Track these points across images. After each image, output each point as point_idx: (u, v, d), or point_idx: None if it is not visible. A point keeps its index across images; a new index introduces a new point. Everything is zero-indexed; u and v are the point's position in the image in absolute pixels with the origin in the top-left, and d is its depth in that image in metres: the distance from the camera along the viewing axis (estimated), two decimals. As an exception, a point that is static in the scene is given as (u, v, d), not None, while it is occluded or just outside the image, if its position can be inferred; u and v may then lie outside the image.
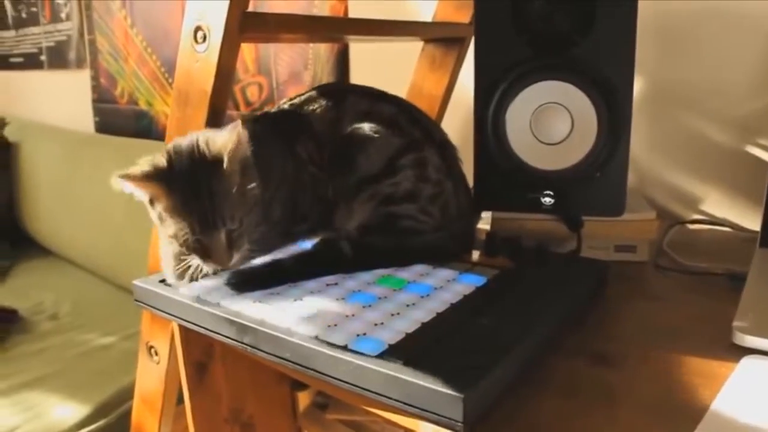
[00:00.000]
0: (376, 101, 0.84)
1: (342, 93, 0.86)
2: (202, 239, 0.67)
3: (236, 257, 0.69)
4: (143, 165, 0.68)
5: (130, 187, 0.67)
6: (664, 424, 0.51)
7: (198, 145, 0.69)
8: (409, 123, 0.84)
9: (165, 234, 0.70)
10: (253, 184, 0.70)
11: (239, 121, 0.68)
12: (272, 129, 0.81)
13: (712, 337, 0.65)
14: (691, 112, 1.11)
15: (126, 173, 0.66)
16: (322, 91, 0.85)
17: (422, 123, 0.86)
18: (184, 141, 0.70)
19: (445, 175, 0.83)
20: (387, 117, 0.82)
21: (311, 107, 0.82)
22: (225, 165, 0.67)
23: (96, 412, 1.35)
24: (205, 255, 0.68)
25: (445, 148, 0.86)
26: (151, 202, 0.69)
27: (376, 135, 0.78)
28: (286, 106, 0.85)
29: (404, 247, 0.78)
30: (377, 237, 0.77)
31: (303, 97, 0.84)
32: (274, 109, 0.86)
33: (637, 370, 0.60)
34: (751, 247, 0.86)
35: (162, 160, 0.68)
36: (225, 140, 0.68)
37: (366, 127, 0.79)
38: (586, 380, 0.58)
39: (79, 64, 2.50)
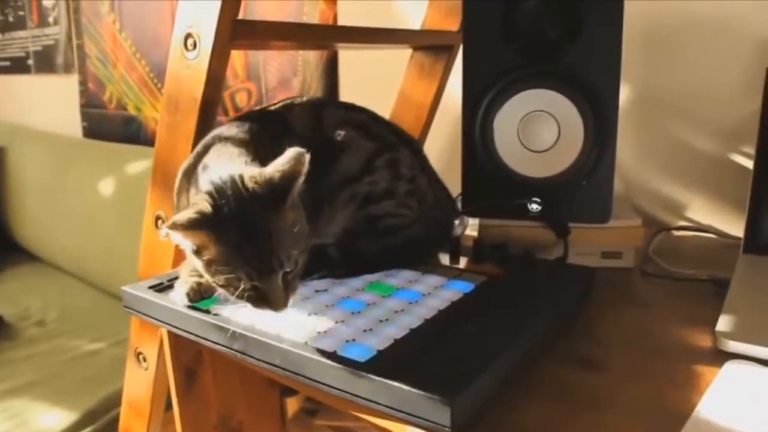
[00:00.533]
0: (349, 110, 0.85)
1: (319, 103, 0.87)
2: (259, 285, 0.60)
3: (292, 300, 0.62)
4: (188, 212, 0.59)
5: (178, 238, 0.60)
6: (649, 428, 0.52)
7: (243, 182, 0.61)
8: (381, 127, 0.85)
9: (208, 278, 0.62)
10: (302, 215, 0.64)
11: (301, 150, 0.61)
12: (263, 132, 0.77)
13: (696, 342, 0.66)
14: (677, 120, 1.13)
15: (173, 222, 0.58)
16: (299, 101, 0.85)
17: (392, 127, 0.88)
18: (218, 179, 0.61)
19: (419, 170, 0.84)
20: (362, 123, 0.83)
21: (292, 114, 0.82)
22: (288, 200, 0.61)
23: (83, 418, 1.34)
24: (261, 301, 0.61)
25: (415, 147, 0.88)
26: (198, 251, 0.61)
27: (355, 138, 0.79)
28: (269, 109, 0.84)
29: (389, 247, 0.79)
30: (363, 242, 0.78)
31: (281, 104, 0.84)
32: (252, 112, 0.83)
33: (622, 375, 0.61)
34: (734, 253, 0.87)
35: (206, 205, 0.59)
36: (283, 170, 0.61)
37: (345, 131, 0.80)
38: (573, 385, 0.59)
39: (67, 68, 2.49)
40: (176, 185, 0.73)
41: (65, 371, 1.54)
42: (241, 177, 0.61)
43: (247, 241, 0.59)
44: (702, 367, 0.60)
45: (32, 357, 1.63)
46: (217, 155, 0.68)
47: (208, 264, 0.60)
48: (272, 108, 0.83)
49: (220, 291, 0.62)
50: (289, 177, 0.60)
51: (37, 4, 2.57)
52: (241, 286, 0.59)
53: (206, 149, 0.71)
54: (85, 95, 2.43)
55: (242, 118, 0.79)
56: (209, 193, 0.60)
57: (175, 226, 0.58)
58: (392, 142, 0.84)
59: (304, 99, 0.85)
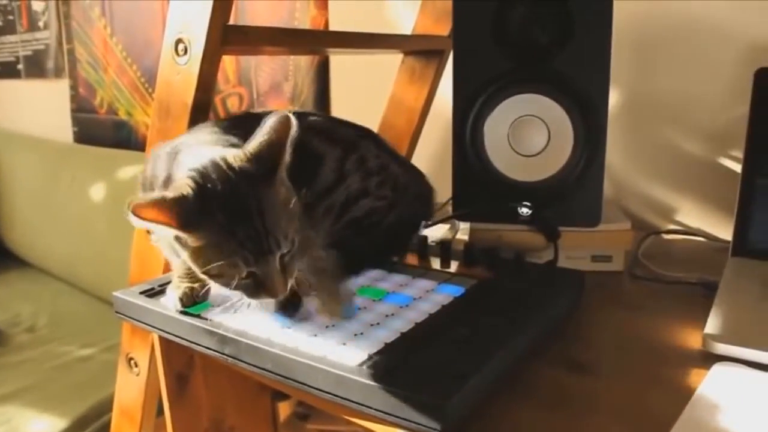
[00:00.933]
0: (306, 116, 0.81)
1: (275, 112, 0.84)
2: (256, 271, 0.57)
3: (290, 285, 0.59)
4: (167, 193, 0.55)
5: (152, 225, 0.55)
6: (637, 430, 0.52)
7: (227, 162, 0.57)
8: (339, 127, 0.84)
9: (197, 269, 0.58)
10: (293, 191, 0.60)
11: (286, 112, 0.57)
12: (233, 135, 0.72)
13: (685, 344, 0.67)
14: (666, 124, 1.13)
15: (138, 202, 0.53)
16: (256, 112, 0.80)
17: (347, 123, 0.86)
18: (198, 165, 0.57)
19: (384, 157, 0.84)
20: (323, 127, 0.81)
21: (252, 121, 0.78)
22: (279, 173, 0.57)
23: (74, 425, 1.34)
24: (259, 289, 0.58)
25: (373, 136, 0.87)
26: (179, 239, 0.56)
27: (327, 148, 0.77)
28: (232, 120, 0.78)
29: (375, 238, 0.79)
30: (350, 244, 0.77)
31: (242, 115, 0.80)
32: (216, 122, 0.77)
33: (612, 378, 0.61)
34: (723, 256, 0.88)
35: (186, 188, 0.55)
36: (269, 138, 0.57)
37: (314, 141, 0.77)
38: (563, 388, 0.59)
39: (58, 73, 2.48)
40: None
41: (56, 377, 1.53)
42: (224, 158, 0.57)
43: (239, 222, 0.55)
44: (690, 370, 0.61)
45: (23, 363, 1.62)
46: (189, 154, 0.62)
47: (196, 253, 0.56)
48: (235, 118, 0.80)
49: (212, 284, 0.58)
50: (277, 144, 0.57)
51: (26, 9, 2.56)
52: (236, 275, 0.56)
53: (173, 157, 0.64)
54: (76, 100, 2.42)
55: (203, 128, 0.73)
56: (190, 177, 0.56)
57: (139, 207, 0.53)
58: (354, 139, 0.82)
59: (260, 110, 0.80)
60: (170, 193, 0.54)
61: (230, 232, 0.55)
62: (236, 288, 0.57)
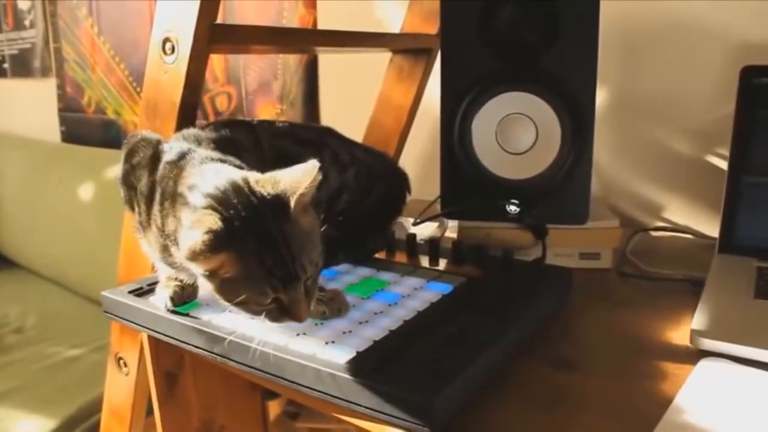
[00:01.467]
0: (272, 123, 0.82)
1: (245, 121, 0.81)
2: (282, 297, 0.56)
3: (312, 308, 0.59)
4: (198, 235, 0.52)
5: (200, 268, 0.54)
6: (625, 426, 0.52)
7: (251, 188, 0.56)
8: (301, 130, 0.84)
9: (221, 300, 0.57)
10: (316, 216, 0.61)
11: (315, 162, 0.57)
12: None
13: (672, 340, 0.67)
14: (654, 122, 1.14)
15: (192, 252, 0.52)
16: (230, 119, 0.80)
17: (305, 125, 0.86)
18: (216, 189, 0.56)
19: (350, 147, 0.85)
20: (288, 131, 0.81)
21: (233, 131, 0.75)
22: (293, 206, 0.56)
23: (63, 425, 1.33)
24: (283, 314, 0.57)
25: (331, 130, 0.87)
26: (212, 274, 0.55)
27: (298, 151, 0.74)
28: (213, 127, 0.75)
29: (359, 220, 0.81)
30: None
31: (220, 122, 0.76)
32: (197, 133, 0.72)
33: (600, 375, 0.62)
34: (710, 253, 0.89)
35: (214, 221, 0.53)
36: (296, 179, 0.57)
37: (291, 146, 0.77)
38: (551, 385, 0.59)
39: (44, 72, 2.47)
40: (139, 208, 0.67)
41: (45, 378, 1.53)
42: (246, 181, 0.57)
43: (268, 250, 0.54)
44: (677, 365, 0.61)
45: (11, 364, 1.61)
46: (199, 172, 0.61)
47: (225, 284, 0.55)
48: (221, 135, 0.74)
49: (231, 309, 0.57)
50: (296, 188, 0.56)
51: (12, 7, 2.54)
52: (262, 302, 0.56)
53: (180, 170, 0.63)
54: (63, 99, 2.41)
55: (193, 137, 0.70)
56: (211, 207, 0.55)
57: (194, 256, 0.52)
58: (319, 137, 0.83)
59: (222, 119, 0.79)
60: (202, 235, 0.52)
61: (260, 260, 0.54)
62: (258, 314, 0.57)
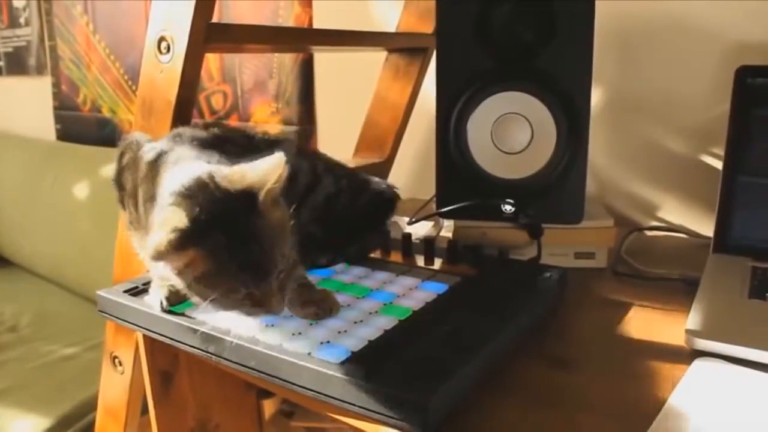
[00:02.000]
0: (230, 130, 0.80)
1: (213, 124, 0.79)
2: (255, 291, 0.56)
3: (284, 299, 0.59)
4: (163, 234, 0.52)
5: (159, 266, 0.55)
6: (620, 426, 0.52)
7: (217, 184, 0.56)
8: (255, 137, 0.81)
9: (194, 296, 0.57)
10: (286, 208, 0.60)
11: (282, 155, 0.57)
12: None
13: (667, 340, 0.67)
14: (649, 122, 1.14)
15: (156, 251, 0.51)
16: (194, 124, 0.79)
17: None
18: (180, 186, 0.56)
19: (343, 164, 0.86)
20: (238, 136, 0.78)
21: (226, 130, 0.75)
22: (261, 198, 0.56)
23: (58, 424, 1.33)
24: (256, 307, 0.57)
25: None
26: (182, 272, 0.55)
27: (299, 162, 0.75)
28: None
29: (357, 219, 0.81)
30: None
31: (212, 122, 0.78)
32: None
33: (594, 374, 0.62)
34: (705, 252, 0.89)
35: (180, 218, 0.53)
36: (263, 173, 0.56)
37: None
38: (547, 385, 0.59)
39: (40, 70, 2.46)
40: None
41: (39, 376, 1.52)
42: (211, 176, 0.56)
43: (237, 245, 0.54)
44: (672, 365, 0.61)
45: (5, 363, 1.61)
46: (170, 172, 0.61)
47: (196, 281, 0.55)
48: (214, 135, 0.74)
49: (203, 304, 0.56)
50: (265, 181, 0.56)
51: (7, 5, 2.54)
52: (235, 297, 0.56)
53: (156, 171, 0.63)
54: (59, 97, 2.40)
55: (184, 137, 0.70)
56: (176, 204, 0.55)
57: (161, 255, 0.52)
58: (312, 152, 0.85)
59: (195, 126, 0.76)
60: (168, 234, 0.52)
61: (230, 255, 0.54)
62: (232, 309, 0.57)
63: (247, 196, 0.56)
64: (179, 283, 0.57)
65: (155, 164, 0.63)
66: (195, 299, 0.57)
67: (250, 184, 0.56)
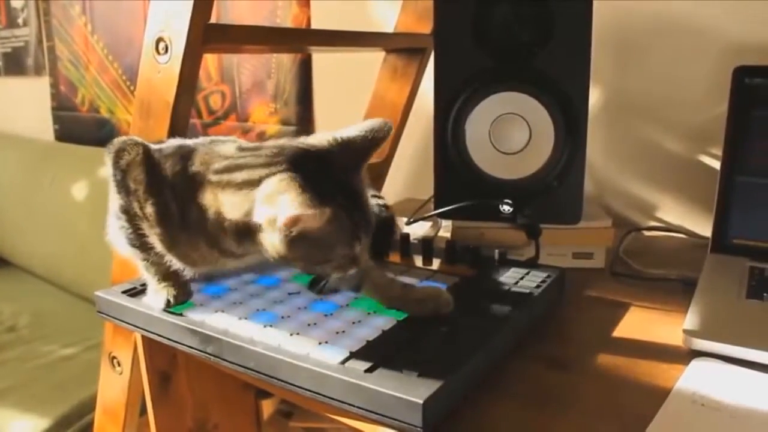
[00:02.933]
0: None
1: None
2: (360, 245, 0.58)
3: None
4: (297, 196, 0.51)
5: (293, 232, 0.53)
6: (617, 425, 0.53)
7: (316, 148, 0.58)
8: None
9: (304, 264, 0.59)
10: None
11: (387, 120, 0.60)
12: None
13: (664, 340, 0.67)
14: (647, 123, 1.14)
15: (294, 217, 0.52)
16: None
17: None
18: (285, 152, 0.56)
19: None
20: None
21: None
22: (369, 157, 0.60)
23: (57, 424, 1.33)
24: (352, 263, 0.59)
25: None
26: (298, 238, 0.54)
27: None
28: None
29: None
30: None
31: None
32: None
33: (592, 374, 0.62)
34: (703, 253, 0.89)
35: (300, 183, 0.52)
36: (368, 135, 0.59)
37: None
38: (544, 385, 0.60)
39: (38, 70, 2.46)
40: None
41: (38, 377, 1.52)
42: (311, 145, 0.58)
43: (351, 205, 0.56)
44: (670, 365, 0.61)
45: (4, 363, 1.61)
46: (219, 152, 0.61)
47: (313, 245, 0.55)
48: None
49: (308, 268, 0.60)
50: (371, 142, 0.59)
51: (5, 5, 2.53)
52: (347, 255, 0.57)
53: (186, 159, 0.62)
54: (57, 98, 2.40)
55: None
56: (288, 170, 0.54)
57: (294, 219, 0.52)
58: None
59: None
60: (296, 195, 0.51)
61: (347, 214, 0.56)
62: (330, 270, 0.59)
63: (350, 156, 0.58)
64: (287, 251, 0.55)
65: (182, 154, 0.62)
66: (299, 265, 0.59)
67: (356, 148, 0.59)
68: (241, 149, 0.61)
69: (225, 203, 0.57)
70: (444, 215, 0.92)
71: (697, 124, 1.09)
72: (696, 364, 0.61)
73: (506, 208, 0.85)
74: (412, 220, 0.97)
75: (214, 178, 0.59)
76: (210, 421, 0.94)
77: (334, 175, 0.57)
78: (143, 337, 0.77)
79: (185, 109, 0.79)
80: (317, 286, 0.68)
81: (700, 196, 1.09)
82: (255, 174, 0.56)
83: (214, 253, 0.62)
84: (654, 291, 0.82)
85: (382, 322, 0.62)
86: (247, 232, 0.57)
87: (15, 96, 2.64)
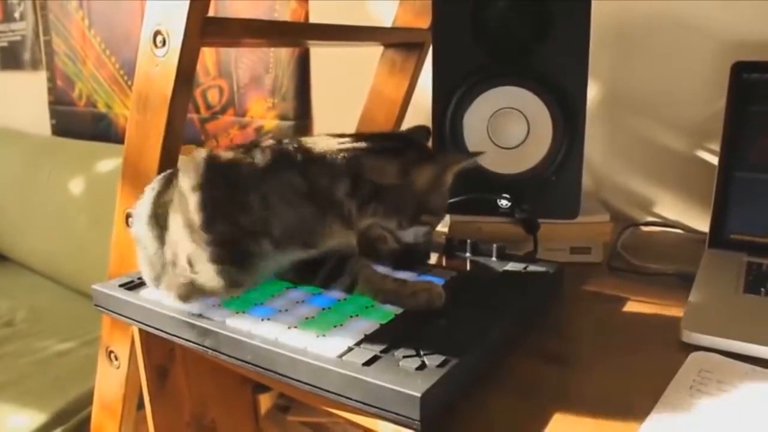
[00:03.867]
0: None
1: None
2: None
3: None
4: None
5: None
6: (615, 419, 0.53)
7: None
8: None
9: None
10: None
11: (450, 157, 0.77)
12: None
13: (662, 335, 0.67)
14: (645, 118, 1.14)
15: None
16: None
17: None
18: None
19: None
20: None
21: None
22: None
23: (53, 419, 1.33)
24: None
25: None
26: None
27: None
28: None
29: None
30: None
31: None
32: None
33: (590, 369, 0.62)
34: (700, 247, 0.89)
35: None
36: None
37: None
38: (542, 379, 0.60)
39: (35, 65, 2.45)
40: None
41: (35, 371, 1.52)
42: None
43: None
44: (667, 360, 0.61)
45: (1, 358, 1.60)
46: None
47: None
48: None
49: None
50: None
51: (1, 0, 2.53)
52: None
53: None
54: (54, 92, 2.39)
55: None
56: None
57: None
58: None
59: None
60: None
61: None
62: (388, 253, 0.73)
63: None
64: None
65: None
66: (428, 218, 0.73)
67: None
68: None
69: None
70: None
71: (696, 119, 1.09)
72: (694, 358, 0.61)
73: (504, 203, 0.85)
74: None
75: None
76: (207, 416, 0.94)
77: None
78: (141, 331, 0.77)
79: (183, 103, 0.79)
80: (318, 277, 0.68)
81: (697, 191, 1.09)
82: None
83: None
84: (652, 286, 0.82)
85: (381, 315, 0.62)
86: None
87: (12, 90, 2.63)
